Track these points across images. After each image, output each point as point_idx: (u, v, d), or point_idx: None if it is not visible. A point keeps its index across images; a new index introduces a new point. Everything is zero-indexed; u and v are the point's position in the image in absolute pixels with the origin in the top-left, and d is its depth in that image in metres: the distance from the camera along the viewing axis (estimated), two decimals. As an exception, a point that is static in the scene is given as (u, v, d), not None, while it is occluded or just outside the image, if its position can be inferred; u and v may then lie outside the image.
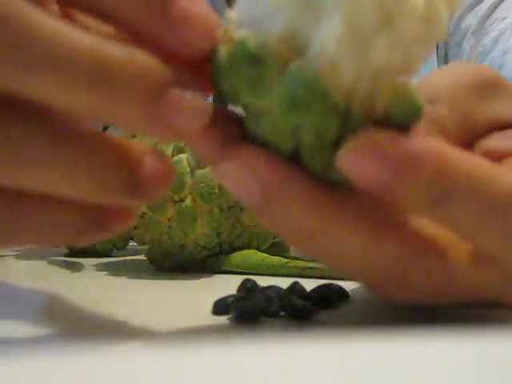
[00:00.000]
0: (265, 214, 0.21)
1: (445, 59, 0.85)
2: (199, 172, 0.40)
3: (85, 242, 0.23)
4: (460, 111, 0.25)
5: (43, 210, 0.22)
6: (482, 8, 0.82)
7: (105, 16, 0.21)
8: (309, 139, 0.21)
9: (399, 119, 0.21)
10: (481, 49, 0.80)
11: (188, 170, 0.40)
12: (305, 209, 0.20)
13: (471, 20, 0.83)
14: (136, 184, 0.22)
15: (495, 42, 0.79)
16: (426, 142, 0.20)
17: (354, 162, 0.20)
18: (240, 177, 0.20)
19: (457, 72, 0.26)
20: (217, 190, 0.40)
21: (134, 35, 0.21)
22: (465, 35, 0.83)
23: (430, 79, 0.26)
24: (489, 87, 0.26)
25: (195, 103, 0.20)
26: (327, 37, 0.20)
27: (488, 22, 0.81)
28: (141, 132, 0.22)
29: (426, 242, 0.22)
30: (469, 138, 0.26)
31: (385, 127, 0.21)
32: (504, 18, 0.80)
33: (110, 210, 0.23)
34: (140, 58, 0.20)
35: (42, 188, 0.21)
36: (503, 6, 0.81)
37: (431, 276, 0.23)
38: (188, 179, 0.40)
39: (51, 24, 0.19)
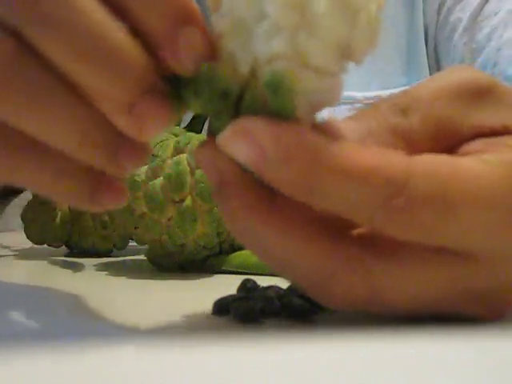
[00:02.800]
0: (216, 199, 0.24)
1: (435, 54, 0.85)
2: (199, 172, 0.40)
3: (74, 205, 0.25)
4: (437, 119, 0.25)
5: (46, 157, 0.23)
6: (472, 3, 0.81)
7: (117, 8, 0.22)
8: (213, 123, 0.24)
9: (274, 110, 0.22)
10: (474, 45, 0.80)
11: (188, 169, 0.40)
12: (242, 205, 0.23)
13: (459, 14, 0.82)
14: (115, 152, 0.23)
15: (488, 38, 0.78)
16: (296, 134, 0.22)
17: (227, 143, 0.22)
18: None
19: (444, 79, 0.26)
20: (217, 190, 0.40)
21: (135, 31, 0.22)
22: (453, 29, 0.82)
23: (411, 89, 0.26)
24: (476, 94, 0.25)
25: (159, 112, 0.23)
26: (221, 32, 0.23)
27: (479, 17, 0.81)
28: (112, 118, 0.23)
29: (351, 255, 0.23)
30: (450, 144, 0.26)
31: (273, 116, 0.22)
32: (496, 13, 0.79)
33: (102, 183, 0.24)
34: (135, 52, 0.22)
35: (34, 127, 0.22)
36: (492, 1, 0.81)
37: (352, 290, 0.24)
38: (188, 179, 0.40)
39: None
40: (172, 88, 0.23)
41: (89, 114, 0.23)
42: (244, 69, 0.23)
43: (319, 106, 0.23)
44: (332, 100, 0.23)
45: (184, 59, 0.22)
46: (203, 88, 0.23)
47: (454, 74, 0.26)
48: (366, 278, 0.23)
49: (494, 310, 0.26)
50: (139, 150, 0.24)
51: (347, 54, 0.23)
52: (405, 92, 0.26)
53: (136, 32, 0.22)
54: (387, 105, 0.26)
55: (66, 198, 0.24)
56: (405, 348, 0.22)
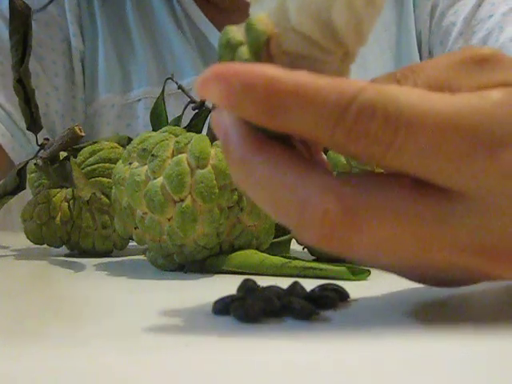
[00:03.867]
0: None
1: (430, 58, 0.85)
2: (199, 172, 0.40)
3: None
4: (433, 82, 0.25)
5: None
6: (465, 6, 0.81)
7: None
8: None
9: (249, 46, 0.25)
10: None
11: (188, 169, 0.40)
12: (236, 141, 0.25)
13: (452, 18, 0.82)
14: None
15: (484, 42, 0.78)
16: (255, 68, 0.23)
17: (201, 86, 0.24)
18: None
19: (447, 54, 0.26)
20: (217, 190, 0.40)
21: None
22: (447, 33, 0.82)
23: (415, 63, 0.27)
24: (478, 61, 0.25)
25: None
26: None
27: (473, 21, 0.81)
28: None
29: (326, 183, 0.24)
30: None
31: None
32: (490, 16, 0.79)
33: None
34: None
35: None
36: (486, 3, 0.80)
37: (325, 221, 0.24)
38: (188, 179, 0.40)
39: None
40: None
41: None
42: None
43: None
44: (330, 72, 0.25)
45: None
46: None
47: (466, 50, 0.26)
48: (340, 202, 0.23)
49: (497, 260, 0.24)
50: None
51: (331, 33, 0.24)
52: (404, 66, 0.26)
53: None
54: (383, 76, 0.26)
55: None
56: (405, 348, 0.22)
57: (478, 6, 0.80)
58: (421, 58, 0.85)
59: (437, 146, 0.23)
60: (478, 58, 0.25)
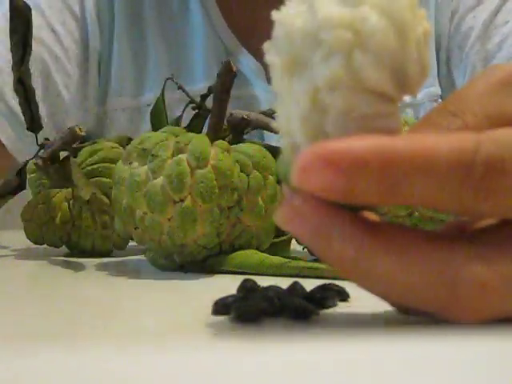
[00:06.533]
0: (312, 248, 0.24)
1: (447, 63, 0.85)
2: (199, 172, 0.40)
3: None
4: (487, 112, 0.25)
5: None
6: (484, 11, 0.82)
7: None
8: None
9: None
10: (484, 54, 0.80)
11: (188, 169, 0.40)
12: (343, 240, 0.23)
13: (471, 22, 0.82)
14: None
15: (499, 47, 0.79)
16: (364, 141, 0.22)
17: (305, 178, 0.22)
18: (291, 222, 0.23)
19: (487, 76, 0.26)
20: (217, 190, 0.40)
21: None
22: (465, 38, 0.83)
23: (456, 92, 0.26)
24: None
25: None
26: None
27: (491, 26, 0.81)
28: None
29: (467, 252, 0.23)
30: None
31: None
32: (506, 22, 0.80)
33: None
34: None
35: None
36: (504, 10, 0.81)
37: (485, 294, 0.22)
38: (188, 179, 0.40)
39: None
40: None
41: None
42: (304, 104, 0.23)
43: (377, 132, 0.23)
44: (391, 127, 0.23)
45: None
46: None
47: (496, 71, 0.26)
48: (495, 271, 0.22)
49: None
50: None
51: (402, 81, 0.23)
52: (451, 95, 0.26)
53: None
54: (436, 111, 0.25)
55: None
56: (404, 348, 0.22)
57: (497, 12, 0.81)
58: (438, 63, 0.84)
59: None
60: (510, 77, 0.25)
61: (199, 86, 0.79)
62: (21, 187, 0.53)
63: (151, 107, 0.51)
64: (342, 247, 0.23)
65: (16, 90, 0.51)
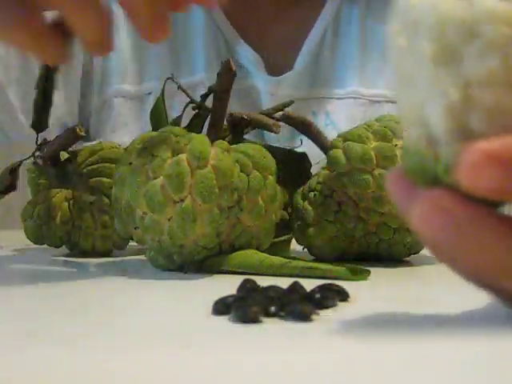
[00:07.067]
0: (458, 250, 0.22)
1: None
2: (199, 172, 0.40)
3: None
4: None
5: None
6: None
7: None
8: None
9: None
10: None
11: (188, 169, 0.40)
12: (496, 239, 0.22)
13: None
14: None
15: None
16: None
17: (475, 177, 0.21)
18: (433, 218, 0.22)
19: None
20: (217, 190, 0.40)
21: None
22: None
23: None
24: None
25: None
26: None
27: None
28: None
29: None
30: None
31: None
32: None
33: None
34: None
35: None
36: None
37: None
38: (188, 179, 0.40)
39: None
40: None
41: None
42: (453, 96, 0.22)
43: None
44: None
45: None
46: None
47: None
48: None
49: None
50: None
51: None
52: None
53: None
54: None
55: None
56: (404, 348, 0.22)
57: None
58: None
59: None
60: None
61: (199, 76, 0.79)
62: (12, 187, 0.52)
63: (151, 96, 0.50)
64: (496, 247, 0.22)
65: (38, 86, 0.50)
